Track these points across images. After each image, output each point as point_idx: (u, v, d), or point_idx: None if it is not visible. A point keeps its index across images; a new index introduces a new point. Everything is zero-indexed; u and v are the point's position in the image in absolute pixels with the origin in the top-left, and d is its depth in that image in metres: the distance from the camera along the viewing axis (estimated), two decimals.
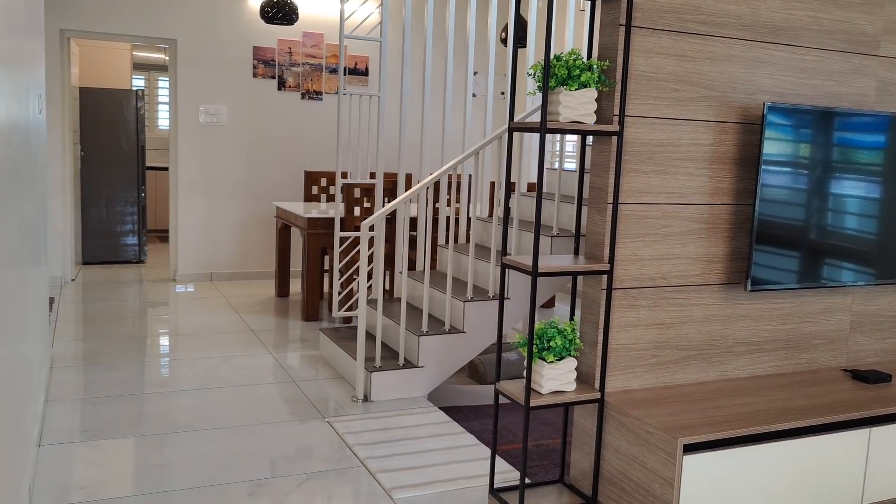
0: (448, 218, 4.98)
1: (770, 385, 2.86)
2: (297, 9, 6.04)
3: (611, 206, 2.58)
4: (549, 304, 6.61)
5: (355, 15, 7.30)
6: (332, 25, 7.29)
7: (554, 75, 2.45)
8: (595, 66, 2.49)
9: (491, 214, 5.67)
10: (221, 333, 5.28)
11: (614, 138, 2.56)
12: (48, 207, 6.52)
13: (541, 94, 2.42)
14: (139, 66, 10.02)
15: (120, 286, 6.71)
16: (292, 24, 6.15)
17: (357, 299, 5.51)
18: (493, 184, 5.68)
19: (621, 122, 2.52)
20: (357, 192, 5.47)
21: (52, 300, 5.99)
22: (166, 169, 9.23)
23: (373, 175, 6.65)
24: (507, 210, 2.63)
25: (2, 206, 2.22)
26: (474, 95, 7.80)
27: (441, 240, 5.00)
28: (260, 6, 6.08)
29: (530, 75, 2.50)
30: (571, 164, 7.12)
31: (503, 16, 7.73)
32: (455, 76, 7.68)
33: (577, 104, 2.46)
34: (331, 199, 6.67)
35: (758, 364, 2.95)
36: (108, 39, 6.69)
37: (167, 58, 7.21)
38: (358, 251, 5.39)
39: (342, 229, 5.53)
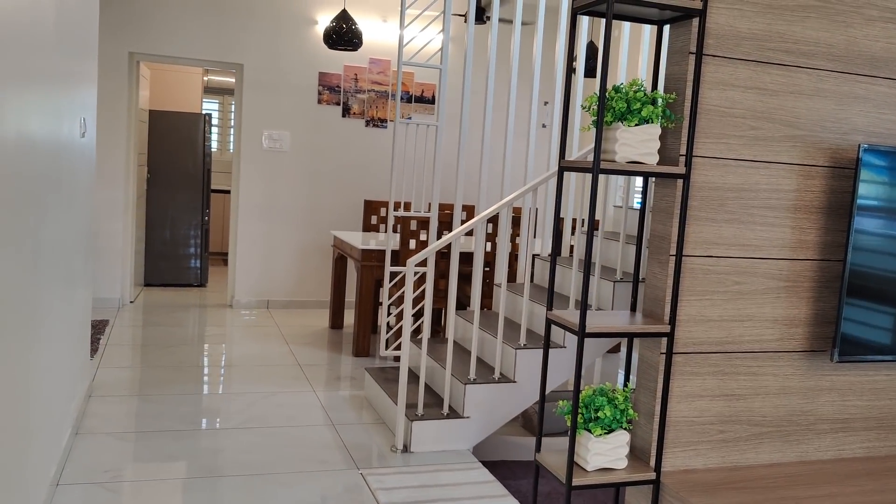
0: (506, 255, 4.68)
1: (858, 471, 2.46)
2: (360, 34, 5.90)
3: (674, 258, 2.25)
4: (615, 349, 6.22)
5: (419, 41, 7.13)
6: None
7: (611, 109, 2.15)
8: (659, 100, 2.18)
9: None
10: (269, 366, 5.10)
11: (679, 181, 2.24)
12: (97, 230, 6.52)
13: (597, 130, 2.14)
14: (213, 90, 10.11)
15: (177, 310, 6.64)
16: (356, 50, 6.01)
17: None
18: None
19: (688, 164, 2.20)
20: (413, 225, 5.23)
21: (105, 323, 5.94)
22: None
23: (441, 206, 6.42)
24: (555, 254, 2.34)
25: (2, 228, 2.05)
26: (544, 126, 7.51)
27: (499, 277, 4.70)
28: (323, 31, 5.97)
29: (585, 108, 2.21)
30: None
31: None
32: (518, 106, 7.41)
33: (637, 142, 2.16)
34: None
35: (844, 445, 2.55)
36: (175, 63, 6.70)
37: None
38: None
39: (396, 263, 5.30)
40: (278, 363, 5.20)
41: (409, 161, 6.97)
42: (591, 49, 6.15)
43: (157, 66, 8.37)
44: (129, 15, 6.46)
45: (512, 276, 5.15)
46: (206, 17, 6.62)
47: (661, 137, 2.30)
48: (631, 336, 2.22)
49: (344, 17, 5.89)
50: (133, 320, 6.18)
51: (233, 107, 10.20)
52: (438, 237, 4.88)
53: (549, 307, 2.33)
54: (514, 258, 5.28)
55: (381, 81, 7.11)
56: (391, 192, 4.62)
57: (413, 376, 4.35)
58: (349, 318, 6.75)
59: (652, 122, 2.16)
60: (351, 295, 7.18)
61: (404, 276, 5.14)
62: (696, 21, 2.19)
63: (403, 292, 5.05)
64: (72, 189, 3.40)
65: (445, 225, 5.22)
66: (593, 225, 2.11)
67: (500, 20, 6.61)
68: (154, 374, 4.76)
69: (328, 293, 7.16)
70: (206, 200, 7.89)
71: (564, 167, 2.28)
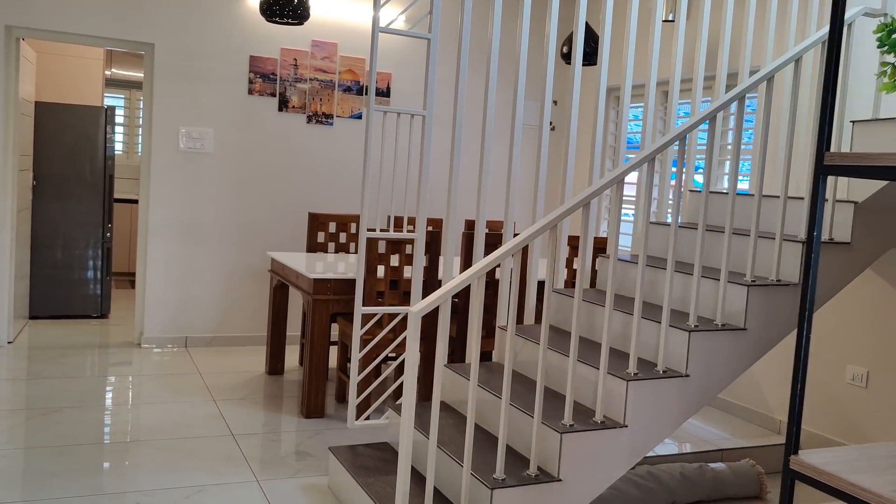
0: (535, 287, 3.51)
1: None
2: (308, 6, 4.65)
3: None
4: None
5: (389, 12, 5.92)
6: (347, 33, 5.89)
7: None
8: None
9: (569, 285, 4.22)
10: (189, 439, 3.78)
11: None
12: None
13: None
14: (118, 83, 8.64)
15: (69, 352, 5.21)
16: (301, 24, 4.75)
17: (382, 400, 4.10)
18: (572, 239, 4.24)
19: None
20: (382, 247, 4.02)
21: None
22: None
23: (407, 221, 5.20)
24: (804, 337, 1.18)
25: None
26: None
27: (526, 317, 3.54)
28: (259, 1, 4.69)
29: (883, 46, 1.07)
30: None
31: (564, 27, 6.34)
32: (499, 99, 6.27)
33: None
34: (340, 248, 5.22)
35: None
36: (66, 40, 5.28)
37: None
38: (382, 335, 3.92)
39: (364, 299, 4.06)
40: (204, 433, 3.88)
41: (359, 163, 5.74)
42: (591, 33, 5.07)
43: (46, 48, 6.89)
44: None
45: (519, 316, 3.99)
46: None
47: None
48: None
49: None
50: (9, 370, 4.74)
51: (141, 101, 8.73)
52: (425, 266, 3.68)
53: (794, 449, 1.17)
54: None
55: (327, 69, 5.86)
56: (363, 202, 3.40)
57: (392, 451, 3.13)
58: (291, 359, 5.45)
59: None
60: (293, 329, 5.88)
61: (378, 318, 3.92)
62: None
63: (376, 341, 3.83)
64: None
65: (428, 246, 4.03)
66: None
67: None
68: (28, 462, 3.38)
69: (264, 328, 5.84)
70: (108, 213, 6.45)
71: (831, 168, 1.12)
